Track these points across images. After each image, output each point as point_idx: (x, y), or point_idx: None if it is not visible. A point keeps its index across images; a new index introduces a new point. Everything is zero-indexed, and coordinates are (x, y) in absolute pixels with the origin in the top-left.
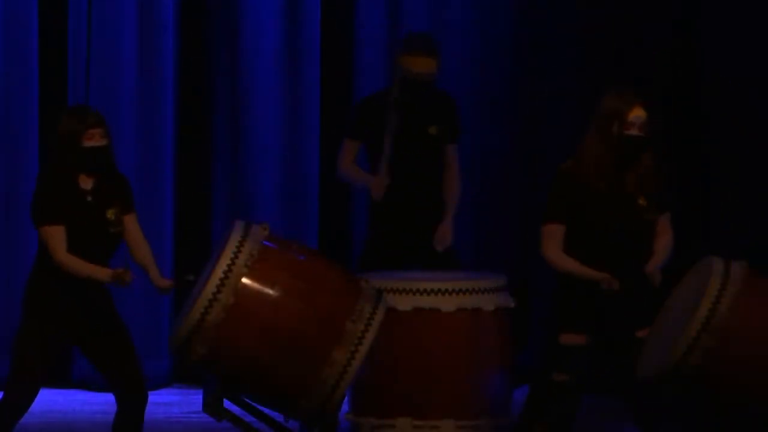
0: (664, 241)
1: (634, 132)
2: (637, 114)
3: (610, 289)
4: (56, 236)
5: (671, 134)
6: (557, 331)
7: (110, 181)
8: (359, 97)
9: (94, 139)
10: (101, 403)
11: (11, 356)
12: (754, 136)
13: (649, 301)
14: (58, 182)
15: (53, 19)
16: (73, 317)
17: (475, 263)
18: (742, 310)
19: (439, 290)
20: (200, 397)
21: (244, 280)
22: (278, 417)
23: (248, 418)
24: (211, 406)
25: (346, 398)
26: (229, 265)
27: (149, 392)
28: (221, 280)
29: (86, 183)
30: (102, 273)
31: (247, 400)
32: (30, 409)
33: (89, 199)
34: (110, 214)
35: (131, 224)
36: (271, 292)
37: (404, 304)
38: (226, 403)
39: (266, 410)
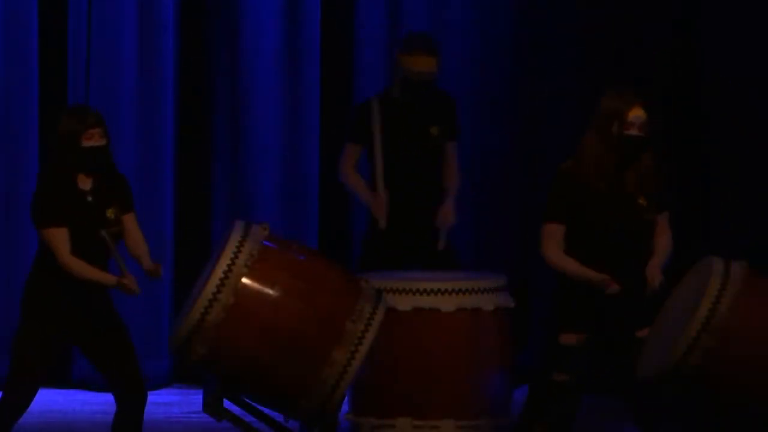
0: (663, 241)
1: (633, 132)
2: (637, 114)
3: (611, 292)
4: (60, 238)
5: (671, 134)
6: (557, 331)
7: (109, 181)
8: (359, 97)
9: (94, 139)
10: (101, 403)
11: (10, 356)
12: (754, 136)
13: (649, 301)
14: (58, 183)
15: (53, 19)
16: (73, 317)
17: (475, 263)
18: (742, 310)
19: (439, 290)
20: (200, 397)
21: (244, 280)
22: (278, 417)
23: (248, 418)
24: (211, 406)
25: (346, 398)
26: (229, 265)
27: (149, 392)
28: (221, 280)
29: (85, 183)
30: (108, 278)
31: (247, 400)
32: (30, 409)
33: (89, 199)
34: (110, 213)
35: (130, 223)
36: (271, 292)
37: (404, 304)
38: (226, 403)
39: (266, 410)
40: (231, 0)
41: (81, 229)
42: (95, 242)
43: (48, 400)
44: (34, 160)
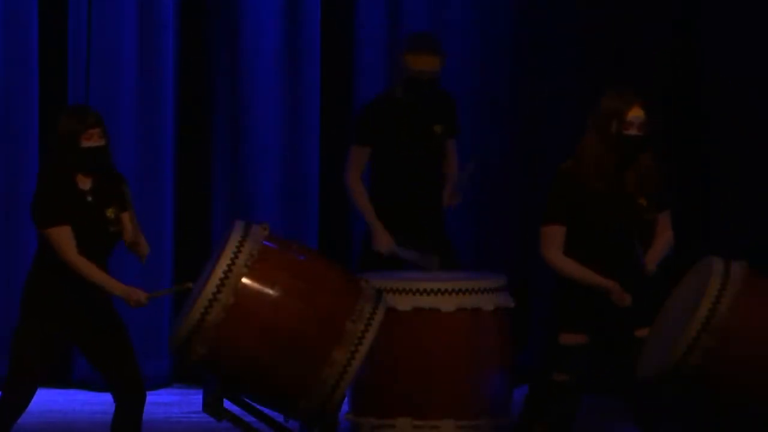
0: (664, 238)
1: (633, 132)
2: (636, 114)
3: (621, 302)
4: (64, 237)
5: (671, 134)
6: (557, 331)
7: (108, 180)
8: (359, 97)
9: (93, 139)
10: (101, 403)
11: (10, 355)
12: (754, 136)
13: (649, 301)
14: (59, 182)
15: (53, 19)
16: (72, 316)
17: (475, 263)
18: (742, 310)
19: (439, 290)
20: (200, 397)
21: (244, 280)
22: (278, 417)
23: (248, 418)
24: (211, 406)
25: (346, 398)
26: (229, 265)
27: (149, 392)
28: (221, 280)
29: (85, 183)
30: (115, 286)
31: (247, 400)
32: (30, 409)
33: (89, 198)
34: (110, 213)
35: (129, 222)
36: (271, 292)
37: (404, 304)
38: (226, 403)
39: (266, 410)
40: (231, 0)
41: (82, 229)
42: (96, 241)
43: (48, 400)
44: (34, 160)
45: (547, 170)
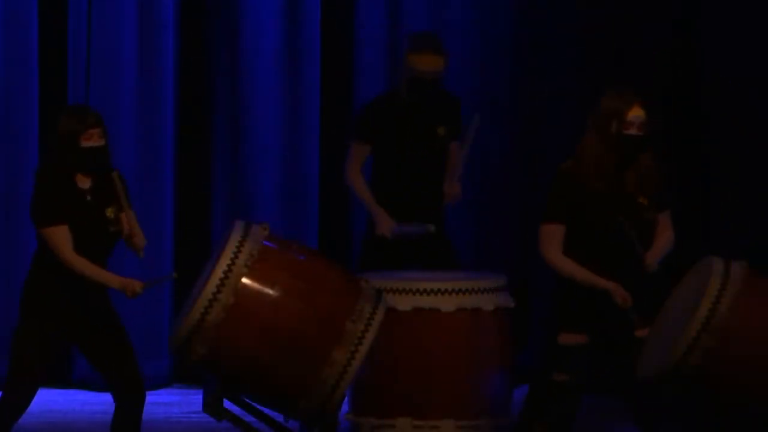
0: (665, 237)
1: (633, 131)
2: (636, 113)
3: (624, 303)
4: (61, 236)
5: (671, 134)
6: (557, 331)
7: (107, 180)
8: (359, 97)
9: (93, 140)
10: (101, 403)
11: (10, 355)
12: (754, 136)
13: (649, 301)
14: (58, 182)
15: (53, 19)
16: (72, 316)
17: (475, 263)
18: (742, 310)
19: (439, 290)
20: (200, 397)
21: (244, 280)
22: (278, 417)
23: (248, 418)
24: (211, 406)
25: (346, 398)
26: (229, 265)
27: (149, 392)
28: (221, 280)
29: (84, 182)
30: (112, 279)
31: (247, 400)
32: (30, 409)
33: (88, 198)
34: (109, 212)
35: (128, 222)
36: (271, 292)
37: (404, 304)
38: (226, 403)
39: (266, 410)
40: (231, 0)
41: (82, 229)
42: (96, 241)
43: (48, 400)
44: (34, 160)
45: (547, 170)
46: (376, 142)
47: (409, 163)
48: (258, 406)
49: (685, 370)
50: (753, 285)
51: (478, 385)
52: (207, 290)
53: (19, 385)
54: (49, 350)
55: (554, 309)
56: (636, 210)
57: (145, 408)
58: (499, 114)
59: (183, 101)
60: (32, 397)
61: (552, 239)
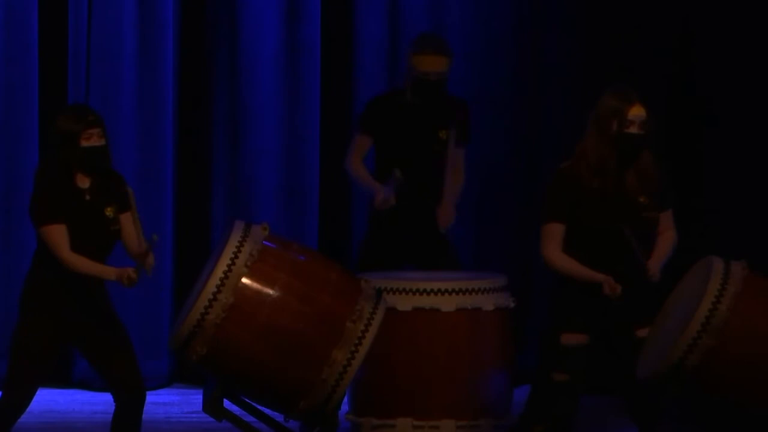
0: (666, 238)
1: (634, 130)
2: (637, 112)
3: (613, 296)
4: (58, 235)
5: (671, 134)
6: (557, 331)
7: (107, 180)
8: (359, 97)
9: (92, 139)
10: (101, 403)
11: (9, 356)
12: (753, 136)
13: (649, 301)
14: (57, 181)
15: (53, 19)
16: (72, 316)
17: (475, 263)
18: (742, 310)
19: (439, 290)
20: (200, 397)
21: (244, 280)
22: (278, 417)
23: (248, 418)
24: (211, 406)
25: (346, 398)
26: (229, 265)
27: (149, 392)
28: (221, 280)
29: (84, 182)
30: (108, 272)
31: (247, 400)
32: (30, 409)
33: (87, 197)
34: (109, 212)
35: (127, 222)
36: (271, 292)
37: (404, 304)
38: (226, 403)
39: (266, 410)
40: (231, 0)
41: (81, 228)
42: (95, 241)
43: (48, 400)
44: (34, 160)
45: (547, 170)
46: (378, 136)
47: (409, 165)
48: (258, 406)
49: (685, 370)
50: (753, 285)
51: (478, 385)
52: (207, 290)
53: (19, 385)
54: (49, 350)
55: (554, 309)
56: (637, 209)
57: (145, 408)
58: (499, 114)
59: (183, 101)
60: (32, 397)
61: (552, 239)
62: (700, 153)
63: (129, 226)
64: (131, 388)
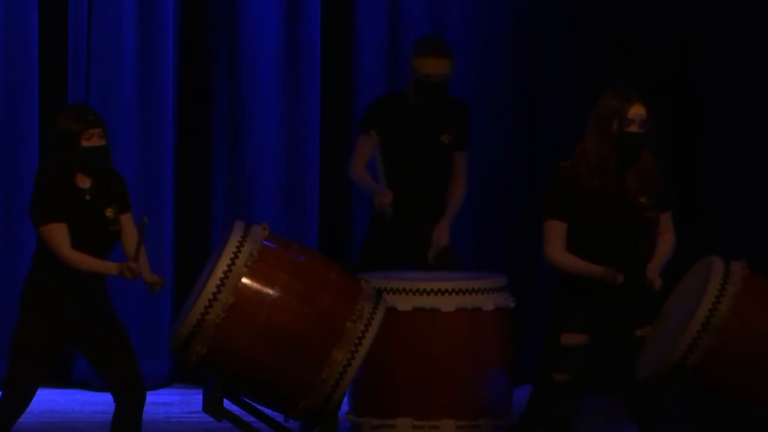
0: (665, 240)
1: (634, 129)
2: (637, 111)
3: (614, 284)
4: (59, 233)
5: (671, 134)
6: (557, 331)
7: (107, 180)
8: (359, 97)
9: (93, 140)
10: (101, 403)
11: (9, 356)
12: (753, 135)
13: (649, 300)
14: (57, 181)
15: (53, 19)
16: (72, 316)
17: (475, 263)
18: (742, 310)
19: (439, 290)
20: (200, 397)
21: (244, 280)
22: (278, 417)
23: (248, 418)
24: (211, 406)
25: (346, 398)
26: (229, 265)
27: (149, 392)
28: (221, 280)
29: (84, 182)
30: (109, 267)
31: (247, 400)
32: (30, 409)
33: (88, 198)
34: (109, 212)
35: (127, 223)
36: (271, 292)
37: (404, 304)
38: (226, 403)
39: (266, 410)
40: (231, 0)
41: (81, 228)
42: (95, 241)
43: (48, 400)
44: (34, 160)
45: (547, 170)
46: (379, 138)
47: (410, 168)
48: (258, 406)
49: (685, 370)
50: (753, 285)
51: (478, 385)
52: (207, 290)
53: (19, 385)
54: (49, 350)
55: (554, 309)
56: (637, 209)
57: (145, 408)
58: (499, 114)
59: (183, 101)
60: (32, 397)
61: (554, 236)
62: (700, 153)
63: (129, 226)
64: (131, 388)
